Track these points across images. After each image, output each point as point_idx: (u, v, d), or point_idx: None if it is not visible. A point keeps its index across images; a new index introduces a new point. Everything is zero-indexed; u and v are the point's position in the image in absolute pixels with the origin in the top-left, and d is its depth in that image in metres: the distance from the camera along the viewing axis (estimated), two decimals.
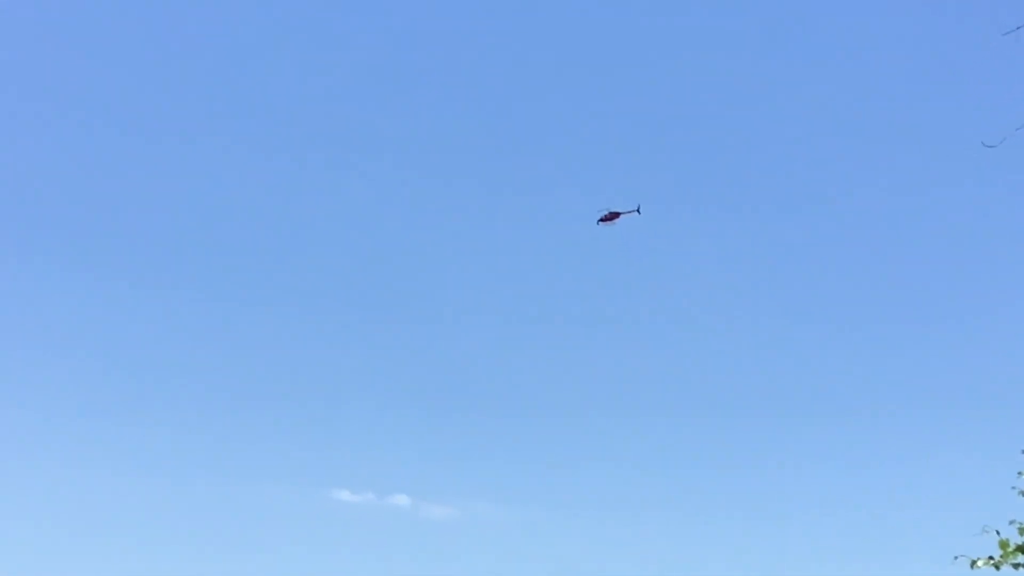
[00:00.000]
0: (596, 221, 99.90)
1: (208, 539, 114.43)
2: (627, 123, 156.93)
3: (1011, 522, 14.98)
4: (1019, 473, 15.63)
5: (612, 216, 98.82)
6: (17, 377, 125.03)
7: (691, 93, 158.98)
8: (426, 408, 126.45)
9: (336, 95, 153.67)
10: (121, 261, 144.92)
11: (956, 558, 14.81)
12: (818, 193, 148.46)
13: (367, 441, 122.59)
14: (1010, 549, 14.65)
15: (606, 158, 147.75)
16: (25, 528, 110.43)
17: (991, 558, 14.98)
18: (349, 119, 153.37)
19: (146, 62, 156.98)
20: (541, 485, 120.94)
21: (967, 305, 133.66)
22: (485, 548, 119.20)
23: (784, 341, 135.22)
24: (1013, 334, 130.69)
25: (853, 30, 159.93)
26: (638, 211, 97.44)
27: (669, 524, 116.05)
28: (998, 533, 15.09)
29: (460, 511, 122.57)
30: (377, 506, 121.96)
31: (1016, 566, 14.98)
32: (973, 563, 14.82)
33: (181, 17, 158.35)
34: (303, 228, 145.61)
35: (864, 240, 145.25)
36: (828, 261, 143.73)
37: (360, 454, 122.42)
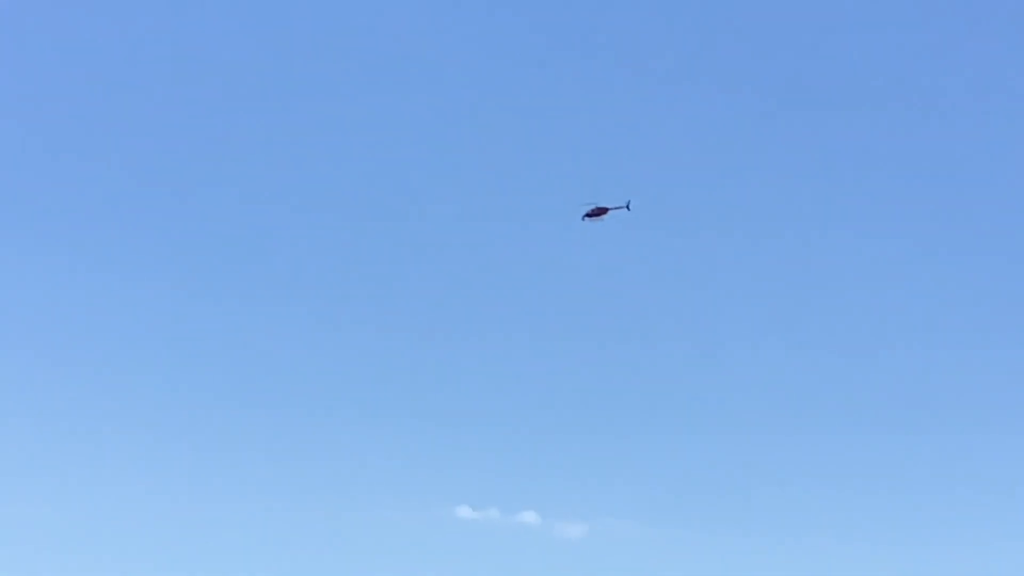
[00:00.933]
0: (581, 217, 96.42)
1: (323, 558, 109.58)
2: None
3: None
4: None
5: (599, 212, 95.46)
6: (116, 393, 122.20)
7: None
8: (553, 420, 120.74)
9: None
10: (241, 277, 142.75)
11: None
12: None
13: (488, 455, 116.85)
14: None
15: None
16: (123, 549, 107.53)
17: None
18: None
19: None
20: (680, 501, 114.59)
21: None
22: (621, 568, 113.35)
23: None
24: None
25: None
26: (627, 207, 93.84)
27: (810, 541, 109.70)
28: None
29: (593, 528, 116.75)
30: (502, 523, 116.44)
31: None
32: None
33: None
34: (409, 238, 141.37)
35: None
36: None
37: (481, 469, 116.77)
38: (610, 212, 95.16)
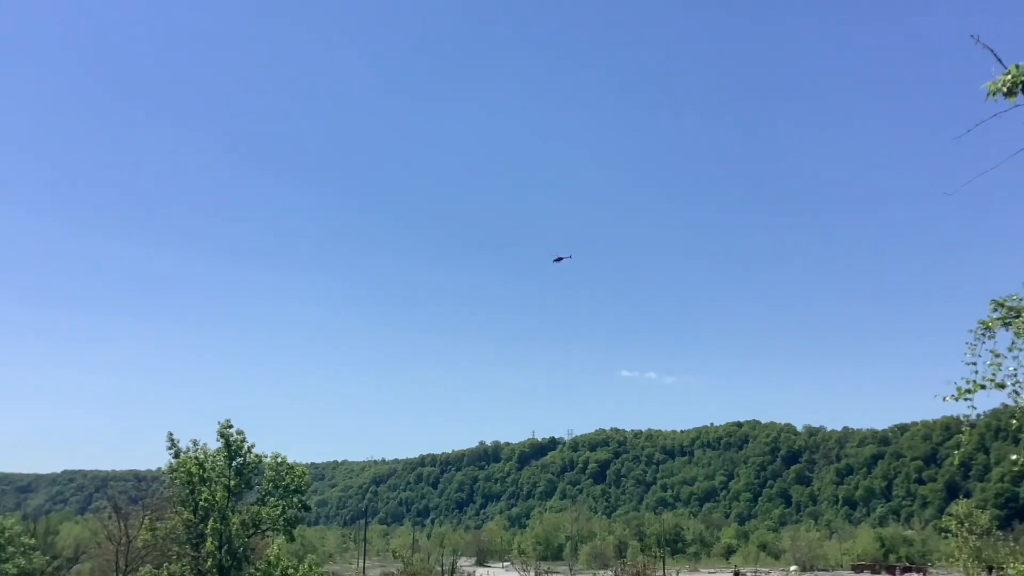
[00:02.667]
0: (552, 260, 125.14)
1: (536, 404, 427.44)
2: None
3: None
4: None
5: (559, 259, 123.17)
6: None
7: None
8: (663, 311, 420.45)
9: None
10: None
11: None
12: None
13: (631, 337, 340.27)
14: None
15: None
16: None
17: None
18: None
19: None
20: (697, 358, 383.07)
21: None
22: (700, 406, 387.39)
23: None
24: None
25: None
26: (571, 257, 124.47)
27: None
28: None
29: (680, 380, 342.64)
30: (639, 379, 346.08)
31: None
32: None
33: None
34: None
35: None
36: None
37: (631, 344, 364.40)
38: (564, 260, 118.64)
